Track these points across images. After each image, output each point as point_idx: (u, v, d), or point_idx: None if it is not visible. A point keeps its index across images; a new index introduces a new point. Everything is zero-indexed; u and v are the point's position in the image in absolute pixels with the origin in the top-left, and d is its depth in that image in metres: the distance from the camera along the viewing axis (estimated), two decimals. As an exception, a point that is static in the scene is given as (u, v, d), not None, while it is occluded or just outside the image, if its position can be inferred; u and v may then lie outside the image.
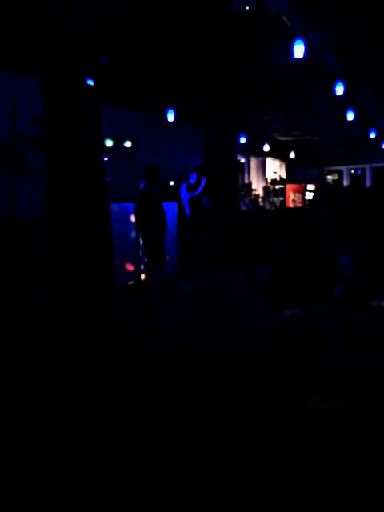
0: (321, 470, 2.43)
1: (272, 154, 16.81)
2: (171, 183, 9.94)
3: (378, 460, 2.53)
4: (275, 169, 18.16)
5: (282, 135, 15.41)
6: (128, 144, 7.52)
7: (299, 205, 14.12)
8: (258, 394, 3.36)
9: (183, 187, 8.12)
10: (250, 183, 16.06)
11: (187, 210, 8.07)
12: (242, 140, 13.24)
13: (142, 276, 7.42)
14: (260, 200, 15.16)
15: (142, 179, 7.23)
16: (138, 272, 7.40)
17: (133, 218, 7.28)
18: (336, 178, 18.91)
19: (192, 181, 8.08)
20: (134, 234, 7.36)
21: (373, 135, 13.81)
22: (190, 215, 8.03)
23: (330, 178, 19.16)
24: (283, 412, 3.06)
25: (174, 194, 8.47)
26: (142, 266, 7.50)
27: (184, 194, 8.05)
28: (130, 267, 7.38)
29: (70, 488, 2.35)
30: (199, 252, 8.16)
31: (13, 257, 6.06)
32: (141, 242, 7.29)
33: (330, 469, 2.44)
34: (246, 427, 2.89)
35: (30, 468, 2.53)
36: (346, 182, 18.14)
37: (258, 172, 17.42)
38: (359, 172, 18.27)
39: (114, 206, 6.50)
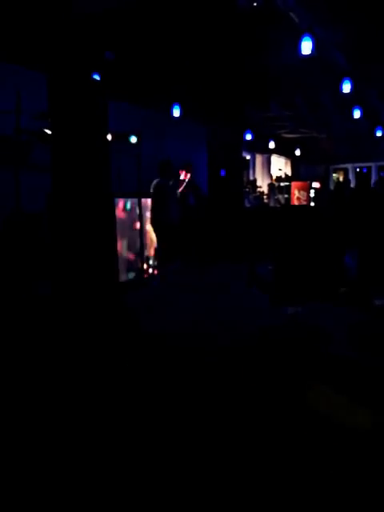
0: (321, 468, 2.43)
1: (277, 151, 16.76)
2: (183, 177, 9.93)
3: (380, 458, 2.53)
4: (280, 166, 18.10)
5: (287, 132, 15.36)
6: (133, 139, 7.52)
7: (304, 202, 14.05)
8: (260, 391, 3.36)
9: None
10: (255, 180, 16.02)
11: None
12: (248, 137, 13.22)
13: (150, 270, 7.42)
14: (265, 197, 15.11)
15: (146, 174, 7.22)
16: (141, 268, 7.40)
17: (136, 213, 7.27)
18: (342, 176, 18.81)
19: (181, 177, 8.11)
20: (138, 229, 7.34)
21: (379, 133, 13.73)
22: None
23: (335, 175, 19.07)
24: (284, 410, 3.06)
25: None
26: (151, 261, 7.51)
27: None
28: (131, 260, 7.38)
29: (69, 485, 2.36)
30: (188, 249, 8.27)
31: (17, 251, 6.07)
32: (154, 236, 7.29)
33: (330, 467, 2.44)
34: (247, 425, 2.89)
35: (30, 465, 2.54)
36: (352, 180, 18.06)
37: (263, 169, 17.38)
38: (365, 170, 18.18)
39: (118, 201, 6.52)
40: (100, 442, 2.73)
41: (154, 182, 7.02)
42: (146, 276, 7.26)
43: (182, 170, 8.11)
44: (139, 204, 7.24)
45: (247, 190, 14.01)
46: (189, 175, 8.02)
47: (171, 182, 7.10)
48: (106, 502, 2.23)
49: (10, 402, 3.26)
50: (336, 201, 10.57)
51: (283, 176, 16.99)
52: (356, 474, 2.40)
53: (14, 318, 4.97)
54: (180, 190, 7.92)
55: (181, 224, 7.95)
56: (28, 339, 4.43)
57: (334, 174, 19.11)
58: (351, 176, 18.34)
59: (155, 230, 7.10)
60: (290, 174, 18.29)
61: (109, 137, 5.94)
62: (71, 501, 2.24)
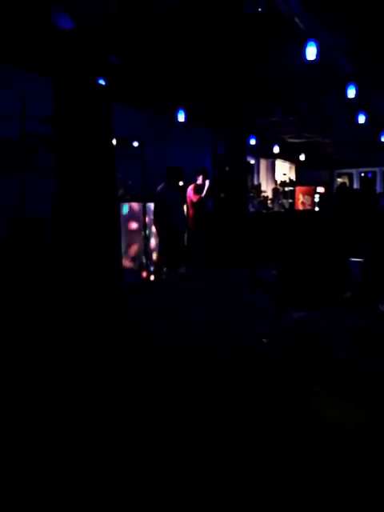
0: (323, 471, 2.41)
1: (282, 155, 16.76)
2: (180, 184, 9.95)
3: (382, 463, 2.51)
4: (285, 171, 18.10)
5: (292, 137, 15.36)
6: (136, 144, 7.52)
7: (308, 207, 14.03)
8: (263, 395, 3.34)
9: (190, 188, 8.16)
10: (260, 185, 16.02)
11: (191, 210, 8.15)
12: (252, 141, 13.23)
13: (152, 276, 7.42)
14: (269, 202, 15.11)
15: (151, 180, 7.23)
16: (145, 271, 7.39)
17: (140, 219, 7.28)
18: (346, 180, 18.79)
19: (198, 182, 8.16)
20: (141, 233, 7.33)
21: (384, 138, 13.75)
22: (193, 216, 8.13)
23: (339, 180, 19.06)
24: (288, 413, 3.04)
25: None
26: (155, 265, 7.52)
27: (190, 195, 8.12)
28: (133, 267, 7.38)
29: (70, 487, 2.35)
30: (196, 252, 8.28)
31: (20, 256, 6.08)
32: (153, 240, 7.35)
33: (332, 471, 2.42)
34: (250, 427, 2.87)
35: (30, 466, 2.53)
36: (357, 186, 18.04)
37: (267, 173, 17.38)
38: (370, 175, 18.16)
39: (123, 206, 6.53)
40: (100, 440, 2.72)
41: (160, 186, 7.04)
42: (149, 279, 7.25)
43: (200, 174, 8.19)
44: (144, 208, 7.24)
45: (251, 194, 14.01)
46: (207, 181, 8.13)
47: (178, 189, 7.18)
48: (105, 500, 2.22)
49: (14, 401, 3.25)
50: (340, 205, 10.53)
51: (287, 181, 16.98)
52: (357, 476, 2.38)
53: (16, 323, 4.97)
54: (203, 195, 8.02)
55: (199, 228, 8.04)
56: (29, 344, 4.42)
57: (338, 179, 19.09)
58: (356, 181, 18.32)
59: (159, 235, 7.15)
60: (294, 178, 18.29)
61: (113, 141, 5.95)
62: (71, 499, 2.23)
